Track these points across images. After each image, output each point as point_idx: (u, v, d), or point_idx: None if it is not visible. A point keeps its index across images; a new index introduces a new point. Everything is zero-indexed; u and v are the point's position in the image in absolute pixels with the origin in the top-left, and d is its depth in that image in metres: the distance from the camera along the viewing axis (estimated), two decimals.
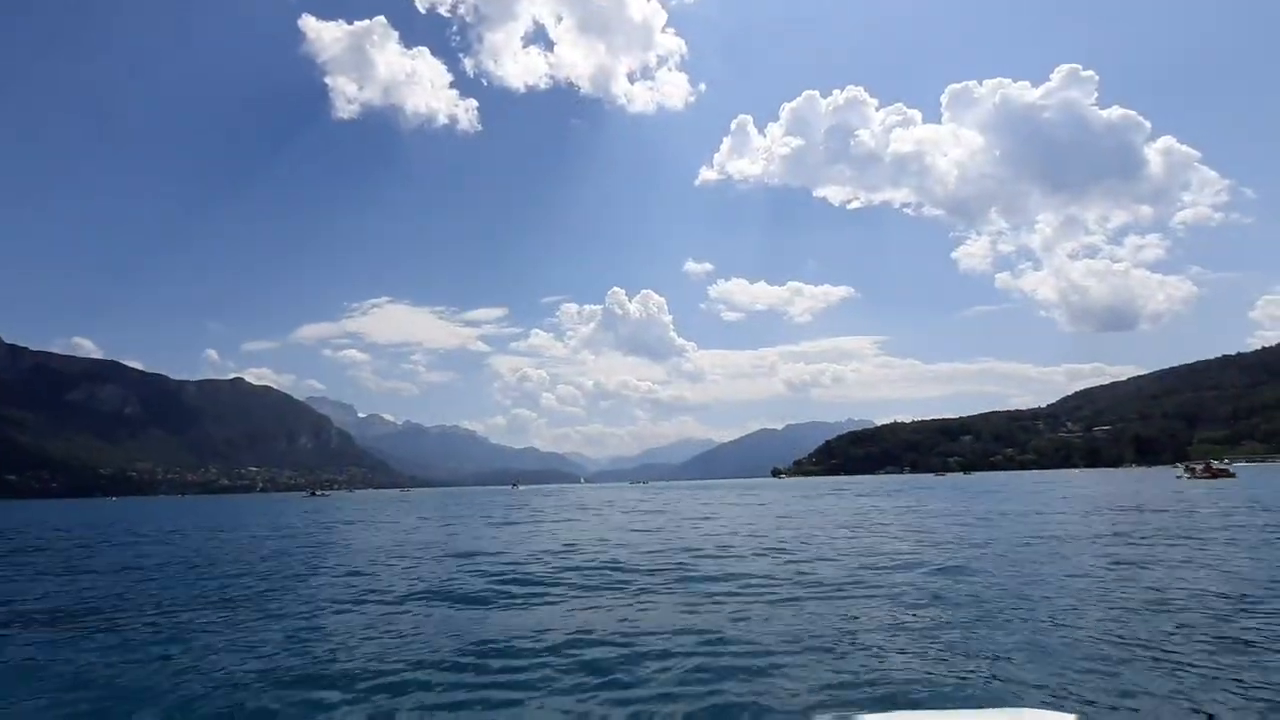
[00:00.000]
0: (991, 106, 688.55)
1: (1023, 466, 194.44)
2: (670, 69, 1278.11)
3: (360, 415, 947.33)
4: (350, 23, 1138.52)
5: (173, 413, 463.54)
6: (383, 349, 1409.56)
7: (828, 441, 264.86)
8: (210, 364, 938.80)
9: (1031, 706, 4.72)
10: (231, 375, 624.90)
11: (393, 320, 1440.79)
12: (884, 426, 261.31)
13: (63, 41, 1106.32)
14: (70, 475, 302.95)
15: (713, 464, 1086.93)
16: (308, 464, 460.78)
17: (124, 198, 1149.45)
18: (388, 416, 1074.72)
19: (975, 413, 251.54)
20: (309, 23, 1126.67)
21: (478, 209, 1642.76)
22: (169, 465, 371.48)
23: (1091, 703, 4.75)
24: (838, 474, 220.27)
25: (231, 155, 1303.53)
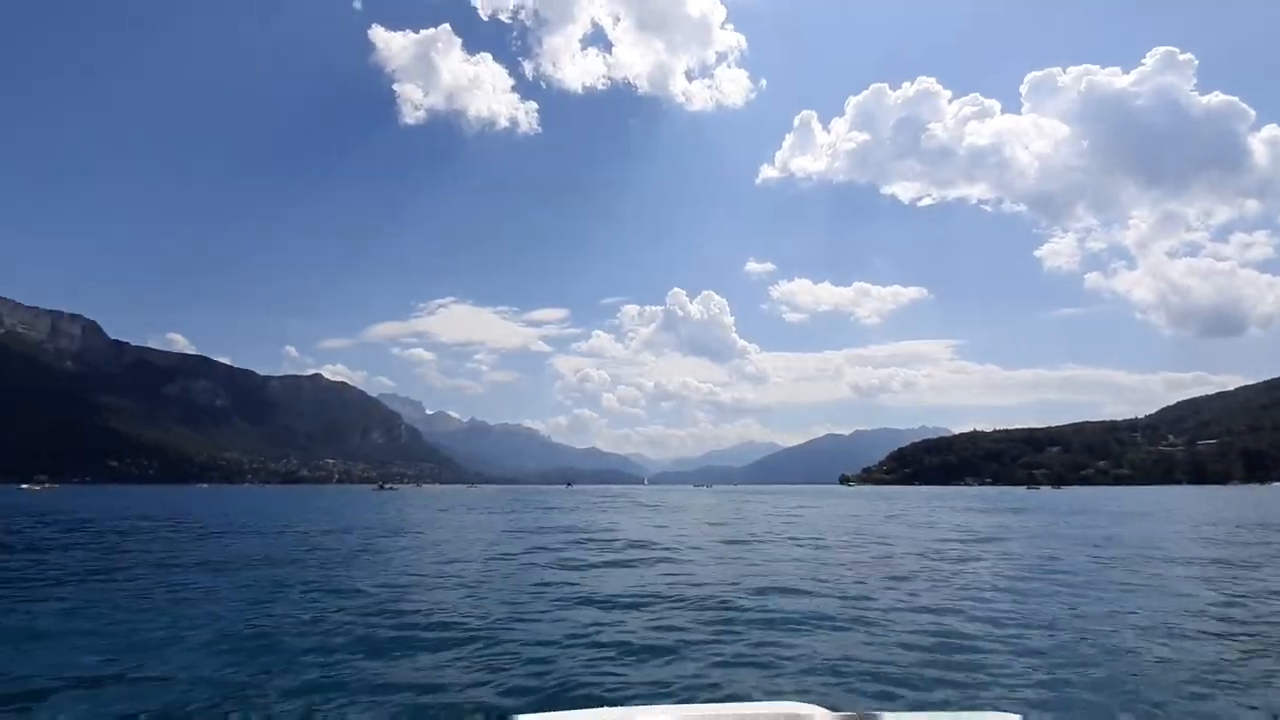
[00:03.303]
0: (1077, 95, 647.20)
1: (1118, 481, 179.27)
2: (729, 65, 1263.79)
3: (428, 412, 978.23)
4: (416, 31, 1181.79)
5: (257, 406, 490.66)
6: (447, 348, 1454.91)
7: (900, 449, 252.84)
8: (290, 360, 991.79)
9: (982, 709, 4.75)
10: (310, 371, 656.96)
11: (457, 320, 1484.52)
12: (962, 435, 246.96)
13: (150, 53, 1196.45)
14: (165, 462, 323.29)
15: (776, 468, 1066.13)
16: (379, 458, 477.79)
17: (210, 200, 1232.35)
18: (453, 414, 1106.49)
19: (1061, 422, 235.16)
20: (378, 33, 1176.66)
21: (538, 210, 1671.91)
22: (254, 455, 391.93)
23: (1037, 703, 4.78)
24: (911, 483, 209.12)
25: (306, 160, 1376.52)
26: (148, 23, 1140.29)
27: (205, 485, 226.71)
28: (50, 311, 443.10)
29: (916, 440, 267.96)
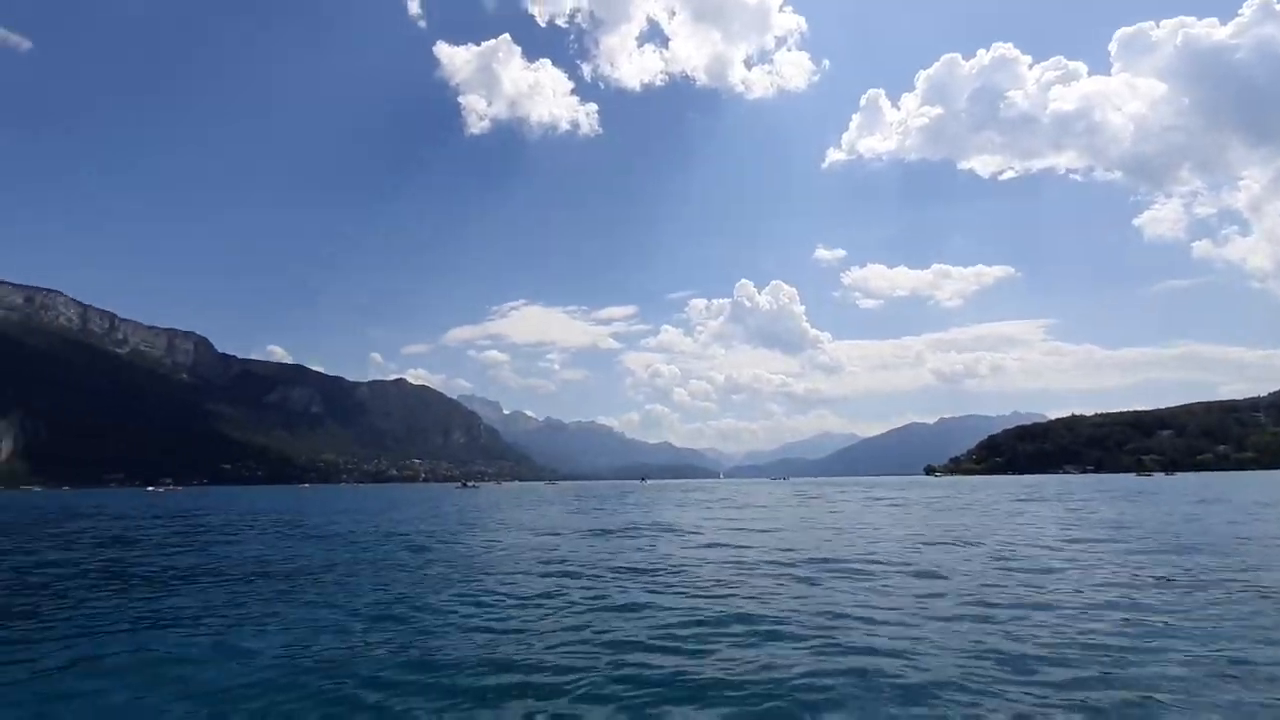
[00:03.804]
0: (1173, 50, 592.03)
1: (1239, 466, 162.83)
2: (790, 49, 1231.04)
3: (505, 412, 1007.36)
4: (478, 44, 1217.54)
5: (348, 410, 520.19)
6: (520, 349, 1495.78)
7: (991, 436, 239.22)
8: (375, 366, 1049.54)
9: None
10: (394, 376, 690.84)
11: (529, 321, 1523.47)
12: (1060, 420, 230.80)
13: (242, 90, 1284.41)
14: (270, 465, 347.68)
15: (856, 460, 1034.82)
16: (461, 457, 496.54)
17: (298, 221, 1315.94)
18: (529, 413, 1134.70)
19: (1173, 404, 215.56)
20: (442, 49, 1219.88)
21: (602, 210, 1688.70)
22: (348, 457, 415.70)
23: None
24: (1003, 472, 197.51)
25: (381, 177, 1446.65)
26: (242, 60, 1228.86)
27: (307, 485, 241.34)
28: (167, 330, 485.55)
29: (1009, 427, 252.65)
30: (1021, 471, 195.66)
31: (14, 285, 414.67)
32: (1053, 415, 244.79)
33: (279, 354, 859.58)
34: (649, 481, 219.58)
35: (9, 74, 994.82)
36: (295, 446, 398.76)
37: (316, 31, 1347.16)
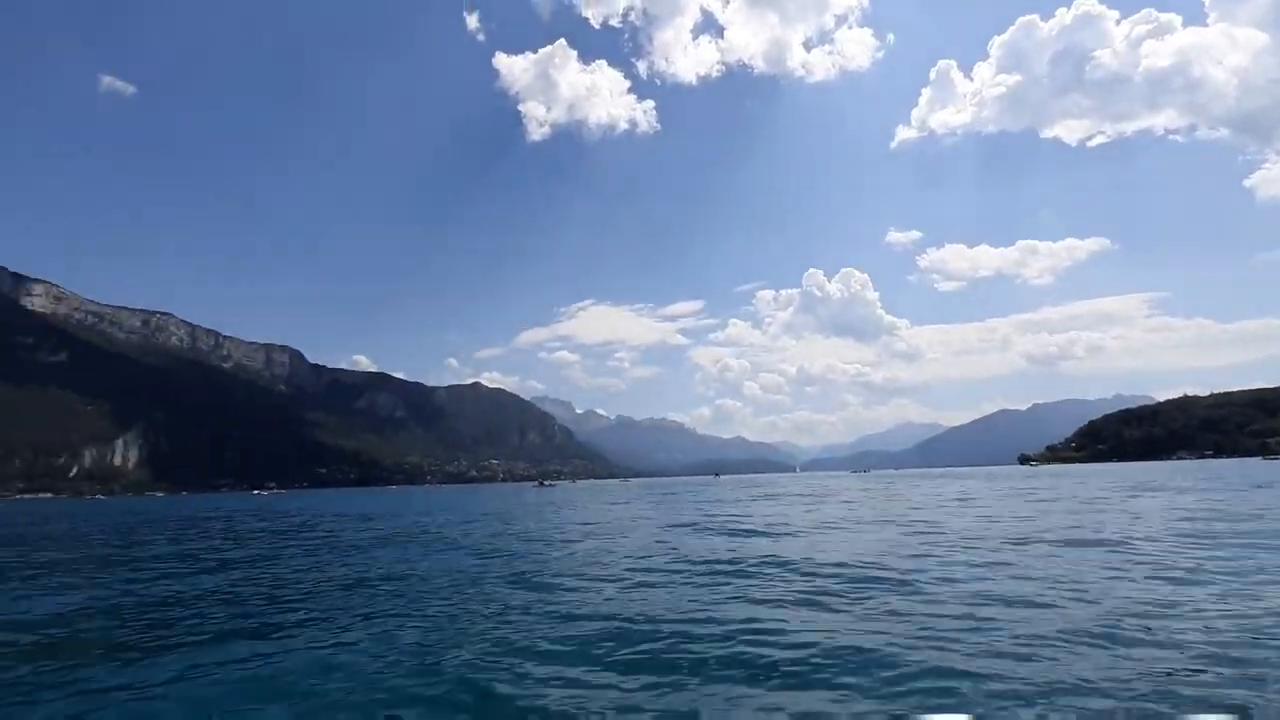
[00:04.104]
0: None
1: None
2: (851, 26, 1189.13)
3: (578, 411, 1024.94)
4: (535, 51, 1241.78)
5: (429, 414, 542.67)
6: (590, 348, 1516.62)
7: (1091, 422, 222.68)
8: (451, 371, 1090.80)
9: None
10: (470, 380, 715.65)
11: (597, 321, 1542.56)
12: (1170, 401, 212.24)
13: (322, 115, 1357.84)
14: (361, 467, 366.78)
15: (940, 450, 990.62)
16: (537, 457, 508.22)
17: (376, 236, 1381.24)
18: (601, 412, 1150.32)
19: None
20: (501, 59, 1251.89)
21: (664, 206, 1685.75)
22: (430, 458, 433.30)
23: None
24: (1107, 460, 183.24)
25: (448, 191, 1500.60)
26: (322, 91, 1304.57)
27: (395, 487, 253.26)
28: (264, 345, 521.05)
29: (1111, 411, 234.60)
30: (1127, 459, 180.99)
31: (132, 310, 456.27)
32: (1161, 397, 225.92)
33: (364, 363, 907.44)
34: (723, 477, 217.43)
35: (119, 117, 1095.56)
36: (382, 450, 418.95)
37: (386, 60, 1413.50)
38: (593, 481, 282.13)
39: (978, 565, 10.52)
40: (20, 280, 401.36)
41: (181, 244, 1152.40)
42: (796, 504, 30.21)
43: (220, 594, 10.36)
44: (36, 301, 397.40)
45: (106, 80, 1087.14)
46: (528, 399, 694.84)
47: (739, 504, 32.34)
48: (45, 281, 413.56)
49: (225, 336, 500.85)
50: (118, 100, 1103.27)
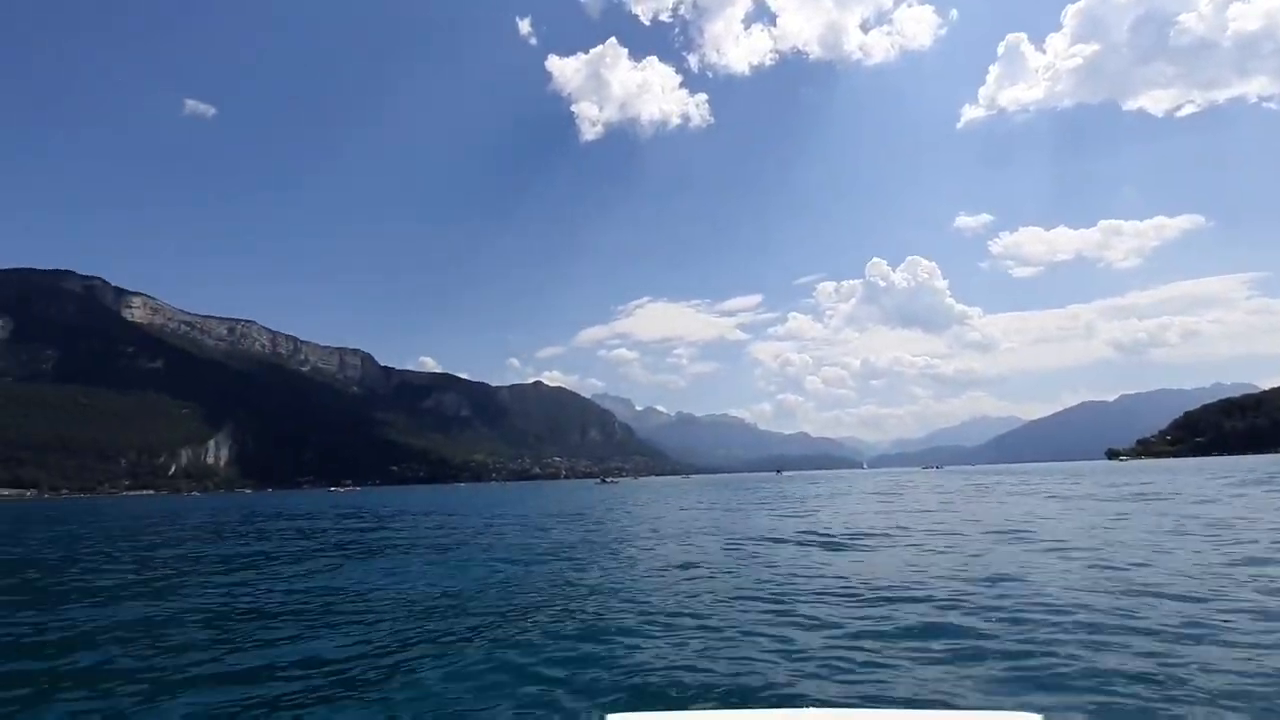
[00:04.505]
0: None
1: None
2: (910, 4, 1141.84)
3: (637, 409, 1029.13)
4: (586, 51, 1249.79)
5: (492, 413, 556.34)
6: (648, 345, 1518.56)
7: (1187, 413, 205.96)
8: (513, 370, 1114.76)
9: (1004, 710, 4.43)
10: (531, 379, 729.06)
11: (654, 317, 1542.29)
12: (1277, 390, 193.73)
13: (382, 119, 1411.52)
14: (430, 465, 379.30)
15: (1018, 445, 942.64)
16: (598, 454, 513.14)
17: (437, 239, 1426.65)
18: (661, 409, 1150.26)
19: None
20: (553, 62, 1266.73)
21: (719, 200, 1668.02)
22: (495, 456, 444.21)
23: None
24: (1205, 454, 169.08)
25: (505, 189, 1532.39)
26: (386, 97, 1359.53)
27: (462, 484, 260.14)
28: (338, 348, 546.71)
29: (1210, 401, 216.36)
30: (1229, 452, 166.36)
31: (220, 319, 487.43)
32: (1265, 385, 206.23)
33: (429, 364, 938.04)
34: (785, 473, 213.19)
35: (202, 139, 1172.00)
36: (449, 448, 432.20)
37: (442, 63, 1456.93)
38: (655, 478, 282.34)
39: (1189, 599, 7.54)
40: (121, 294, 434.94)
41: (259, 254, 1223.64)
42: (898, 504, 27.62)
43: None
44: (136, 313, 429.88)
45: (190, 104, 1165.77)
46: (588, 397, 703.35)
47: (818, 503, 30.47)
48: (143, 294, 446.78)
49: (302, 341, 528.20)
50: (200, 121, 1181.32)
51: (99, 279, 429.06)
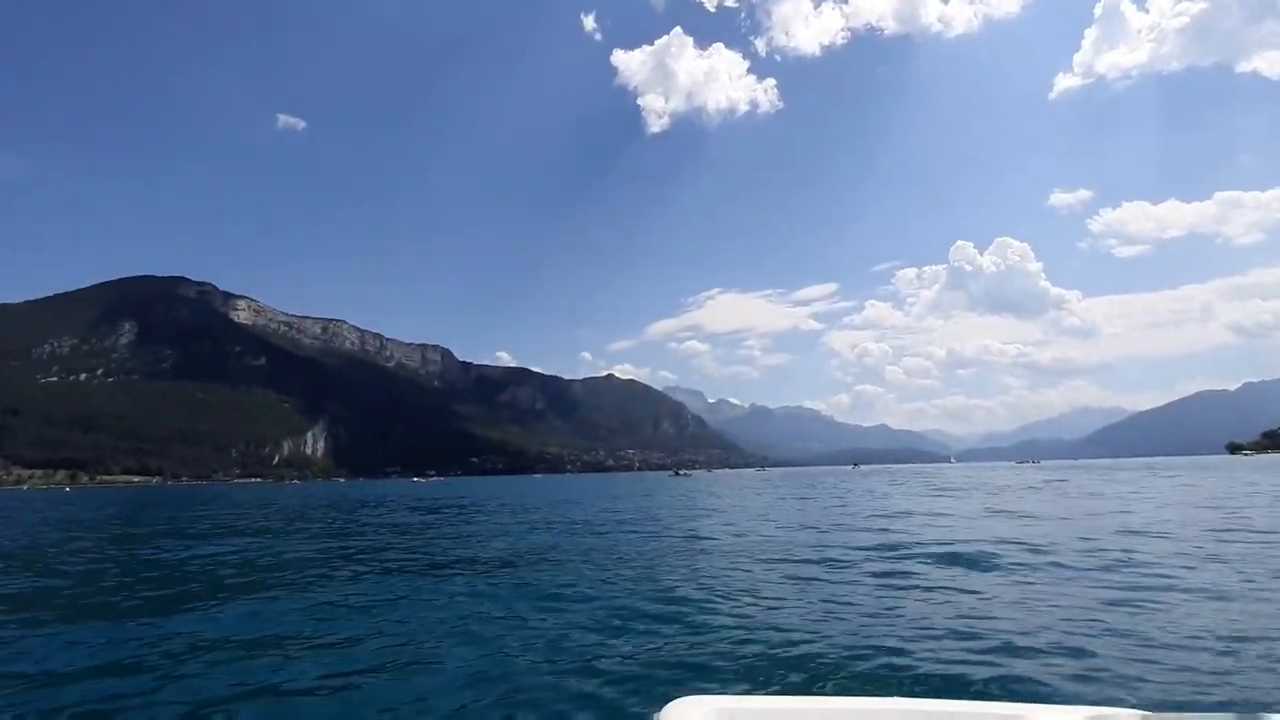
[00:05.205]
0: None
1: None
2: None
3: (710, 401, 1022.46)
4: (651, 44, 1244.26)
5: (566, 406, 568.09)
6: (719, 337, 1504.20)
7: None
8: (585, 364, 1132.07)
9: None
10: (604, 372, 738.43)
11: (725, 309, 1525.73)
12: None
13: (459, 124, 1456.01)
14: (508, 457, 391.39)
15: (1124, 438, 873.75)
16: (671, 446, 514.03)
17: (511, 237, 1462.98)
18: (734, 400, 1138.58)
19: None
20: (619, 56, 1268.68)
21: (789, 187, 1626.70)
22: (569, 448, 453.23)
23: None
24: None
25: (574, 185, 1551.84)
26: (465, 101, 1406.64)
27: (539, 475, 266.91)
28: (420, 345, 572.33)
29: None
30: None
31: (314, 319, 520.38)
32: None
33: (505, 359, 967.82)
34: (862, 467, 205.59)
35: (294, 151, 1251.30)
36: (526, 440, 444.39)
37: (512, 64, 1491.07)
38: (729, 470, 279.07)
39: None
40: (229, 297, 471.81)
41: (347, 256, 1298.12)
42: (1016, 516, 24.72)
43: None
44: (241, 315, 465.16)
45: (282, 119, 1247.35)
46: (660, 389, 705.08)
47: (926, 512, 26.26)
48: (247, 297, 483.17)
49: (388, 339, 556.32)
50: (292, 134, 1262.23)
51: (210, 284, 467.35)
